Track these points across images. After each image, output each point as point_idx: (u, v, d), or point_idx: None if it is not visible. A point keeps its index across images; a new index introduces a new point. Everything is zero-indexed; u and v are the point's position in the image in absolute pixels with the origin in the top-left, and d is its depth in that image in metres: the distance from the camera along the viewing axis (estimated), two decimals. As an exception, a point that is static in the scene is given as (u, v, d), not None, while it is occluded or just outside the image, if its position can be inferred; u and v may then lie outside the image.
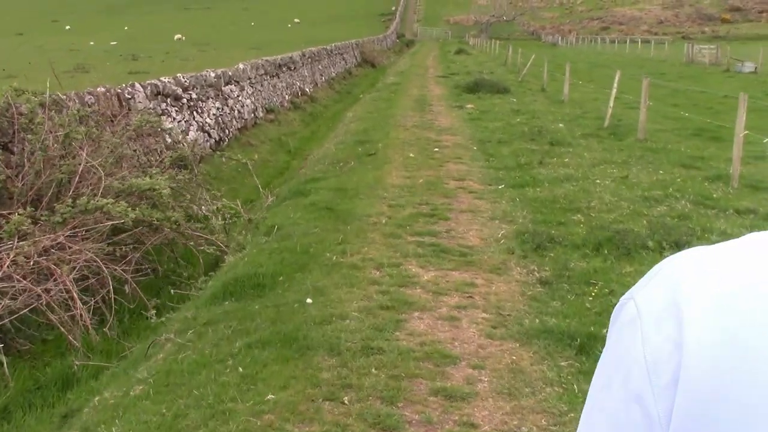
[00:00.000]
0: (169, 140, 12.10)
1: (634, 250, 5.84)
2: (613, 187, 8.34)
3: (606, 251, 5.85)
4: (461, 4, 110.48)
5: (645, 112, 12.59)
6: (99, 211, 6.72)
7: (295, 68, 23.55)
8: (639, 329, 0.73)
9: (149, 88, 11.83)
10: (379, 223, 6.77)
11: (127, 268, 6.99)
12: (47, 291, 6.08)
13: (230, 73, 16.37)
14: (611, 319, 0.79)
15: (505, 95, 20.86)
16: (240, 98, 16.63)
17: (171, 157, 8.80)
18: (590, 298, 4.85)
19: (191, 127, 13.17)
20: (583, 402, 0.69)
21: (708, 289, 0.71)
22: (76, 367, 5.39)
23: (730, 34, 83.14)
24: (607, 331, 0.75)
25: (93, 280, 6.70)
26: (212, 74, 15.11)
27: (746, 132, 8.86)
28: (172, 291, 6.78)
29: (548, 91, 22.88)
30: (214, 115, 14.50)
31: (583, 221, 6.83)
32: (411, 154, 10.78)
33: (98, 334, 6.21)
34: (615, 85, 14.66)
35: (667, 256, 0.73)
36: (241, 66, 17.55)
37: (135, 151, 10.68)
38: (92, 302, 6.32)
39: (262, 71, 19.24)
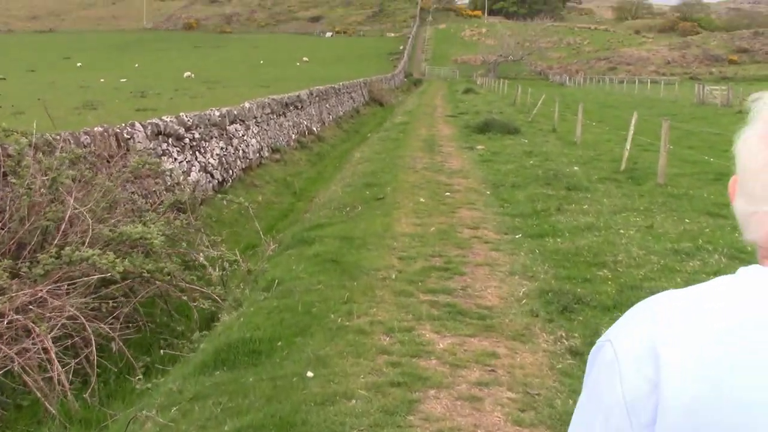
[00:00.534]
0: (169, 182, 11.64)
1: (672, 314, 5.25)
2: (639, 238, 7.79)
3: (640, 315, 5.26)
4: (469, 44, 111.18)
5: (665, 155, 12.09)
6: (85, 263, 6.20)
7: (302, 107, 23.22)
8: (617, 371, 0.81)
9: (150, 127, 11.40)
10: (388, 279, 6.22)
11: (114, 324, 6.45)
12: (23, 351, 5.53)
13: (235, 112, 15.98)
14: (589, 361, 0.87)
15: (515, 136, 20.43)
16: (245, 138, 16.22)
17: (169, 200, 8.27)
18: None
19: (193, 168, 12.72)
20: None
21: (683, 333, 0.79)
22: (49, 441, 4.82)
23: (737, 75, 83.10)
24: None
25: (77, 338, 6.16)
26: (217, 113, 14.72)
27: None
28: (162, 351, 6.22)
29: (559, 132, 22.45)
30: (217, 155, 14.06)
31: (610, 278, 6.27)
32: (421, 199, 10.27)
33: (78, 399, 5.64)
34: (632, 127, 14.18)
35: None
36: (246, 105, 17.18)
37: (133, 193, 10.22)
38: (74, 363, 5.76)
39: (269, 110, 18.87)
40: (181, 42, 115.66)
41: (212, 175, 13.59)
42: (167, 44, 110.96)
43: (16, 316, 5.57)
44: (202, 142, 13.52)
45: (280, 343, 4.84)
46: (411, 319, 5.21)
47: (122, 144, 10.45)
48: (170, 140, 12.15)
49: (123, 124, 10.92)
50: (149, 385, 5.39)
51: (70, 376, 5.82)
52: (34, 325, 5.63)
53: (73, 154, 7.92)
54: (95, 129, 9.98)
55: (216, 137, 14.36)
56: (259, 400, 4.00)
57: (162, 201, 9.70)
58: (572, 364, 4.47)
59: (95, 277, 6.14)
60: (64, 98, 31.53)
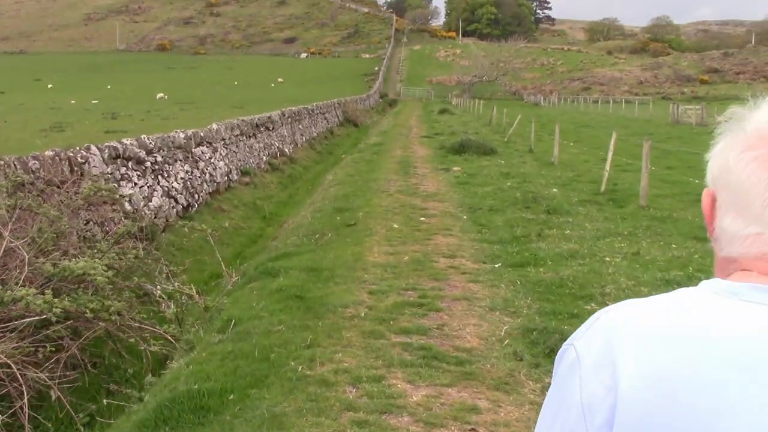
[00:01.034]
0: (128, 208, 11.01)
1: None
2: (626, 267, 7.29)
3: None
4: (443, 64, 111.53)
5: (647, 177, 11.68)
6: (18, 304, 5.56)
7: (273, 128, 22.66)
8: (578, 374, 0.86)
9: (107, 151, 10.76)
10: (357, 317, 5.65)
11: (55, 369, 5.81)
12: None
13: (202, 134, 15.38)
14: (555, 361, 0.92)
15: (492, 156, 20.02)
16: (212, 160, 15.60)
17: (122, 229, 7.63)
18: None
19: (155, 193, 12.08)
20: None
21: (639, 341, 0.83)
22: None
23: (709, 94, 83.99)
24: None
25: (9, 387, 5.51)
26: (182, 135, 14.11)
27: None
28: (105, 401, 5.58)
29: (536, 152, 22.09)
30: (182, 179, 13.43)
31: (599, 312, 5.74)
32: (395, 225, 9.73)
33: (7, 460, 4.99)
34: (611, 147, 13.79)
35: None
36: (214, 126, 16.58)
37: (88, 221, 9.58)
38: (1, 418, 5.11)
39: (238, 131, 18.28)
40: (154, 63, 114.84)
41: (176, 200, 12.95)
42: (140, 66, 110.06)
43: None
44: (166, 165, 12.90)
45: (232, 397, 4.24)
46: (381, 366, 4.64)
47: (75, 169, 9.81)
48: (130, 164, 11.52)
49: (77, 148, 10.28)
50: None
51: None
52: (-45, 377, 4.98)
53: (12, 180, 7.28)
54: (45, 153, 9.33)
55: (181, 160, 13.74)
56: (202, 472, 3.40)
57: (112, 231, 9.07)
58: (563, 420, 3.92)
59: (27, 320, 5.49)
60: (32, 120, 30.73)
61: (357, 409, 4.00)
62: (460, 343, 5.11)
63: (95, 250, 7.28)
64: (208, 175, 15.04)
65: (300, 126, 27.53)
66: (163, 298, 7.48)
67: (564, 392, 0.88)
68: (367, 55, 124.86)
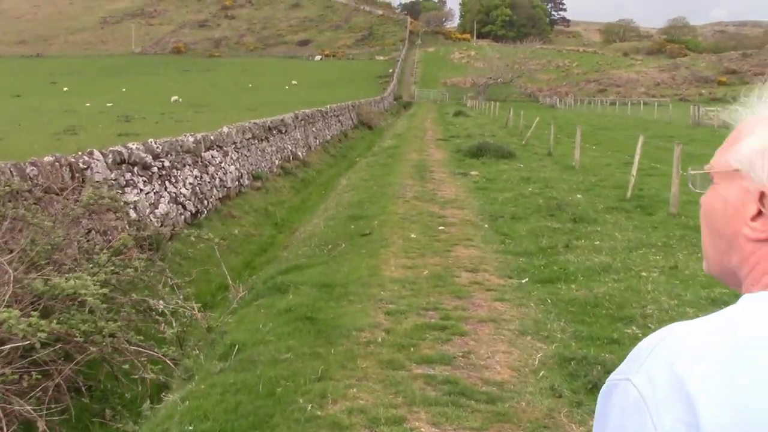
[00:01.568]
0: (134, 215, 10.52)
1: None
2: (665, 283, 6.70)
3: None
4: (458, 66, 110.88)
5: (678, 183, 11.06)
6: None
7: (286, 131, 22.17)
8: (647, 413, 0.75)
9: (111, 156, 10.29)
10: (373, 342, 5.10)
11: (42, 398, 5.30)
12: None
13: (212, 138, 14.89)
14: (600, 402, 0.83)
15: (510, 160, 19.41)
16: (223, 165, 15.11)
17: (119, 242, 7.11)
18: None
19: (162, 199, 11.59)
20: None
21: (710, 368, 0.74)
22: None
23: (727, 96, 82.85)
24: None
25: (-9, 418, 5.00)
26: (191, 139, 13.63)
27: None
28: (95, 435, 5.07)
29: (555, 156, 21.47)
30: (191, 184, 12.94)
31: (642, 337, 5.16)
32: (412, 235, 9.17)
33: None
34: (638, 151, 13.16)
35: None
36: (225, 129, 16.10)
37: (89, 231, 9.09)
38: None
39: (249, 135, 17.79)
40: (169, 66, 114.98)
41: (184, 207, 12.47)
42: (155, 68, 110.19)
43: None
44: (173, 170, 12.42)
45: (231, 441, 3.71)
46: (401, 404, 4.09)
47: (77, 175, 9.34)
48: (136, 169, 11.04)
49: (79, 153, 9.81)
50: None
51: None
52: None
53: (4, 188, 6.79)
54: (45, 159, 8.86)
55: (189, 165, 13.26)
56: None
57: (109, 242, 8.57)
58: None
59: (8, 346, 4.98)
60: (47, 123, 30.54)
61: (374, 460, 3.46)
62: (490, 375, 4.55)
63: (92, 264, 6.78)
64: (218, 180, 14.56)
65: (313, 129, 27.04)
66: (165, 315, 6.97)
67: None
68: (381, 58, 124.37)
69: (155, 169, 11.67)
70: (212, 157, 14.65)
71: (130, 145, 11.30)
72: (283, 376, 4.43)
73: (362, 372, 4.54)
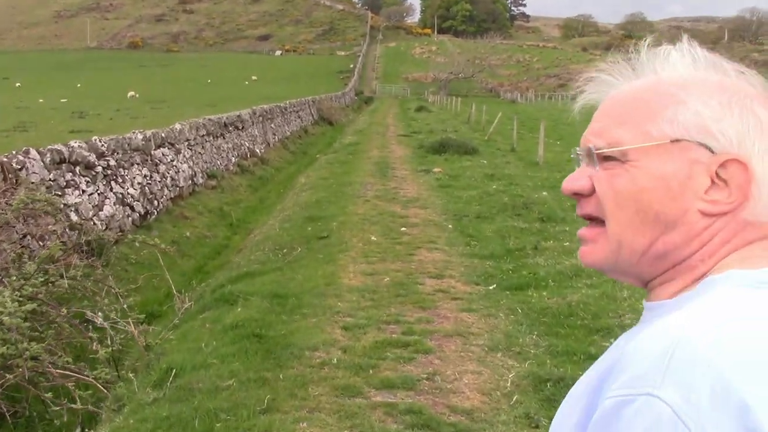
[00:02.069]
0: (75, 218, 9.83)
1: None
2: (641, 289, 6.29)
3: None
4: (419, 61, 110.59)
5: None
6: None
7: (243, 127, 21.48)
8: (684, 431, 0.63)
9: (49, 155, 9.58)
10: (328, 364, 4.57)
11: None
12: None
13: (163, 135, 14.19)
14: (600, 424, 0.69)
15: (474, 156, 19.01)
16: (175, 163, 14.42)
17: (45, 253, 6.44)
18: None
19: (107, 201, 10.90)
20: None
21: (757, 366, 0.64)
22: None
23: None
24: None
25: None
26: (140, 136, 12.92)
27: None
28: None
29: (519, 151, 21.15)
30: (139, 184, 12.25)
31: (621, 352, 4.73)
32: (373, 237, 8.66)
33: None
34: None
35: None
36: (177, 126, 15.39)
37: (24, 236, 8.42)
38: None
39: (204, 131, 17.09)
40: (125, 61, 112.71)
41: (132, 208, 11.78)
42: (111, 63, 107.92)
43: None
44: (120, 169, 11.72)
45: (159, 492, 3.16)
46: (358, 441, 3.57)
47: (10, 176, 8.64)
48: (77, 169, 10.34)
49: (13, 152, 9.10)
50: None
51: None
52: None
53: None
54: (-28, 159, 8.16)
55: (138, 164, 12.56)
56: None
57: (34, 253, 7.90)
58: None
59: None
60: (-2, 119, 29.42)
61: None
62: (458, 402, 4.06)
63: (15, 277, 6.13)
64: (169, 179, 13.87)
65: (272, 125, 26.35)
66: (104, 330, 6.35)
67: None
68: (343, 53, 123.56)
69: (99, 168, 10.97)
70: (163, 155, 13.96)
71: (72, 143, 10.59)
72: (223, 409, 3.89)
73: (314, 401, 4.01)
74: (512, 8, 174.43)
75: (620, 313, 5.55)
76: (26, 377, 5.23)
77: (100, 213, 10.59)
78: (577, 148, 0.92)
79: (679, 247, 0.83)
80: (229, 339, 5.00)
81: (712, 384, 0.64)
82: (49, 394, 4.89)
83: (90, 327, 6.68)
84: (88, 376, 5.20)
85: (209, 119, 18.00)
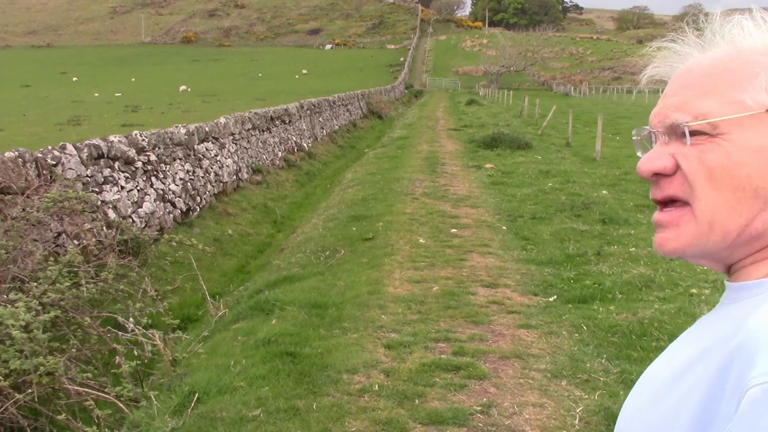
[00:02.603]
0: (113, 216, 9.51)
1: None
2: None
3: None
4: (470, 54, 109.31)
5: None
6: None
7: (290, 121, 21.10)
8: None
9: (86, 150, 9.27)
10: (368, 391, 4.03)
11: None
12: None
13: (207, 129, 13.85)
14: (757, 409, 0.64)
15: (527, 151, 18.27)
16: (218, 158, 14.08)
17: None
18: None
19: (147, 197, 10.57)
20: None
21: None
22: None
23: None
24: None
25: None
26: (183, 130, 12.59)
27: None
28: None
29: (574, 146, 20.29)
30: (181, 179, 11.92)
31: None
32: (421, 239, 8.09)
33: None
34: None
35: None
36: (222, 120, 15.05)
37: (59, 235, 8.11)
38: None
39: (249, 125, 16.74)
40: (178, 56, 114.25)
41: (173, 204, 11.45)
42: (165, 58, 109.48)
43: None
44: (161, 165, 11.39)
45: None
46: (401, 493, 3.03)
47: (44, 172, 8.32)
48: (116, 164, 10.02)
49: (49, 147, 8.79)
50: None
51: None
52: None
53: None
54: (5, 154, 7.85)
55: (180, 159, 12.23)
56: None
57: (85, 248, 7.55)
58: None
59: None
60: (53, 113, 29.82)
61: None
62: (518, 443, 3.48)
63: (41, 280, 5.74)
64: (213, 174, 13.52)
65: (320, 119, 25.95)
66: (134, 335, 5.94)
67: None
68: (393, 46, 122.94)
69: (139, 164, 10.65)
70: (207, 149, 13.62)
71: (111, 137, 10.28)
72: (247, 445, 3.38)
73: (351, 438, 3.48)
74: (565, 0, 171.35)
75: (701, 333, 4.87)
76: (35, 398, 4.82)
77: (140, 210, 10.27)
78: (646, 128, 0.87)
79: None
80: (260, 357, 4.50)
81: None
82: (62, 416, 4.44)
83: (119, 334, 6.30)
84: (109, 394, 4.77)
85: (255, 113, 17.64)
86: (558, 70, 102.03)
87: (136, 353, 5.45)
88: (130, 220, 9.86)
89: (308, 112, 24.00)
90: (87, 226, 8.52)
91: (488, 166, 15.26)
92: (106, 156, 9.79)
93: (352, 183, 13.84)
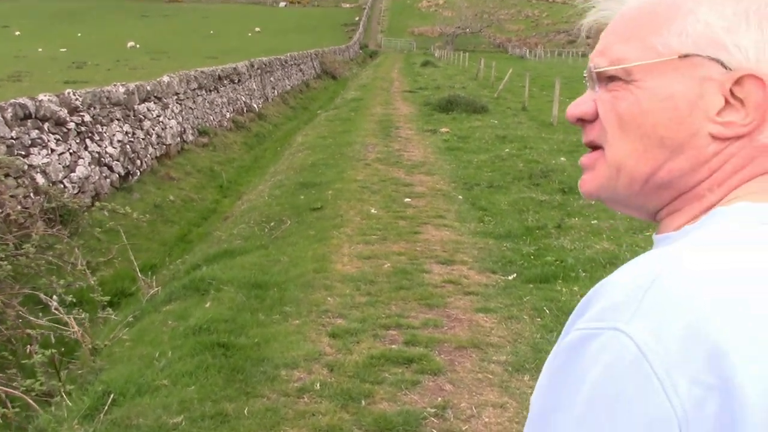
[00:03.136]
0: (42, 181, 8.81)
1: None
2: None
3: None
4: (426, 15, 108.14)
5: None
6: None
7: (240, 81, 20.28)
8: (652, 373, 0.55)
9: (11, 110, 8.53)
10: (309, 391, 3.57)
11: None
12: None
13: (149, 88, 13.07)
14: (560, 356, 0.60)
15: (483, 115, 17.85)
16: (161, 119, 13.32)
17: (2, 215, 5.39)
18: None
19: (81, 161, 9.86)
20: None
21: (746, 313, 0.57)
22: None
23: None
24: None
25: None
26: (121, 89, 11.81)
27: None
28: None
29: (530, 111, 19.94)
30: (119, 142, 11.19)
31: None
32: (372, 209, 7.62)
33: None
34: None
35: None
36: (165, 79, 14.25)
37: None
38: None
39: (195, 85, 15.94)
40: (128, 11, 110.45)
41: (111, 168, 10.74)
42: (114, 13, 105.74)
43: None
44: (97, 126, 10.65)
45: None
46: None
47: (-39, 134, 7.59)
48: (46, 126, 9.29)
49: (-32, 107, 8.04)
50: None
51: None
52: None
53: None
54: None
55: (119, 119, 11.48)
56: None
57: (7, 216, 6.91)
58: None
59: None
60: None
61: None
62: (477, 453, 3.07)
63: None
64: (155, 136, 12.79)
65: (271, 78, 25.10)
66: (59, 313, 5.37)
67: (626, 404, 0.54)
68: (348, 5, 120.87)
69: (72, 125, 9.90)
70: (148, 110, 12.86)
71: (40, 96, 9.52)
72: (164, 462, 2.90)
73: (286, 451, 3.03)
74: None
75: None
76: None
77: (72, 175, 9.56)
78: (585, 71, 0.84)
79: (686, 174, 0.73)
80: (189, 349, 4.00)
81: (686, 324, 0.56)
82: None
83: (39, 315, 5.73)
84: (17, 389, 4.23)
85: (201, 71, 16.82)
86: (514, 33, 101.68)
87: (56, 336, 4.90)
88: (62, 186, 9.18)
89: (259, 71, 23.16)
90: (10, 192, 7.85)
91: (444, 130, 14.81)
92: (34, 116, 9.04)
93: (302, 147, 13.26)
